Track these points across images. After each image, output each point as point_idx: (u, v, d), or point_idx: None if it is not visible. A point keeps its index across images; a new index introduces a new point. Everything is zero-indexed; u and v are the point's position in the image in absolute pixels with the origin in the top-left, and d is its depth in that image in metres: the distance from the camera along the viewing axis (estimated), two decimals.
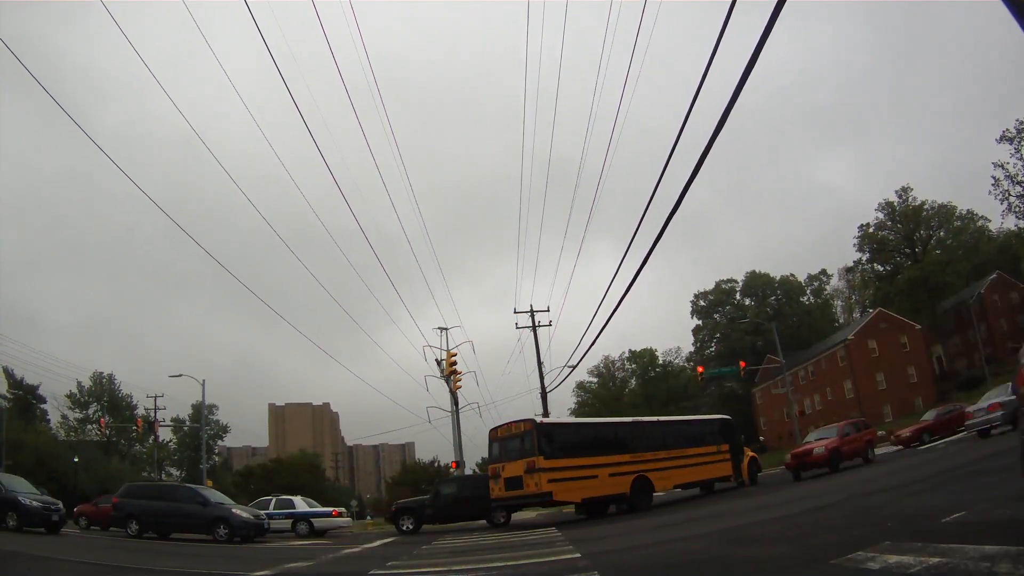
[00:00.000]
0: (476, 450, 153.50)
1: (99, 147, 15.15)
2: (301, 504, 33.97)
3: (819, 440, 30.99)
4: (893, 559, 7.13)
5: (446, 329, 42.34)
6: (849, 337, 77.19)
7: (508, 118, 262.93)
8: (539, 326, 52.38)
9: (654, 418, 35.98)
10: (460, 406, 47.63)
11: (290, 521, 32.52)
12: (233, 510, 26.99)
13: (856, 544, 8.25)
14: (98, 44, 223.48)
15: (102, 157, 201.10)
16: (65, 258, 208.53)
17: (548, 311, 52.89)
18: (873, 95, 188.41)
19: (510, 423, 28.28)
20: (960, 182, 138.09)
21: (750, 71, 10.56)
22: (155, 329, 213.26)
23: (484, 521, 29.76)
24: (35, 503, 25.51)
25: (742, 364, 59.25)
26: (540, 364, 51.72)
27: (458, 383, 42.55)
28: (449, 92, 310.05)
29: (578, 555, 12.58)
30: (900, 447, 38.80)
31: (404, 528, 30.36)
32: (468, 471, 59.88)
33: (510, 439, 27.50)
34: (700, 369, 63.47)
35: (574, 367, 47.28)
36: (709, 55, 11.48)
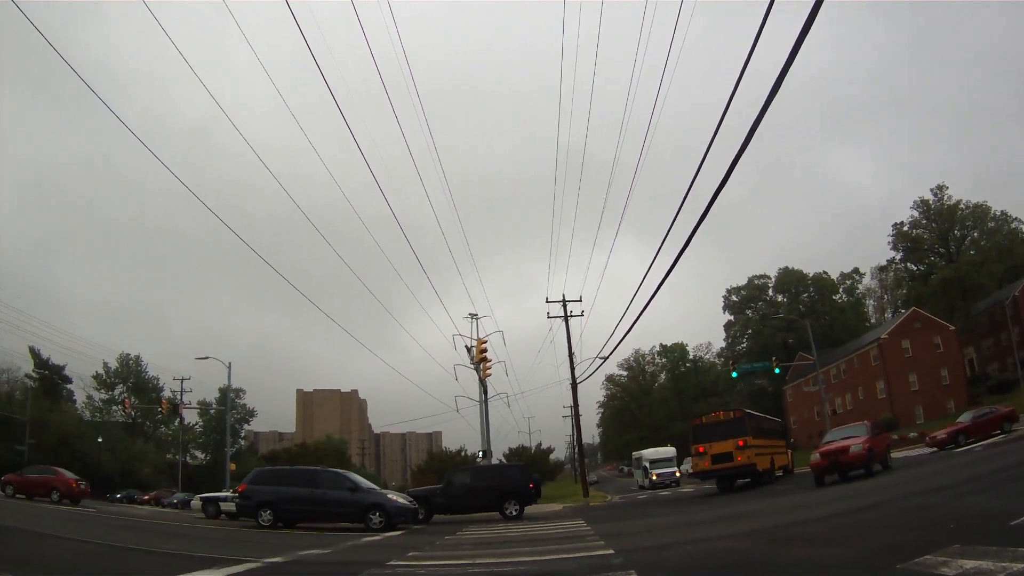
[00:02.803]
0: (503, 440, 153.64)
1: (133, 133, 15.08)
2: None
3: (847, 439, 27.24)
4: (970, 564, 6.46)
5: (477, 316, 41.33)
6: (883, 336, 75.35)
7: (538, 113, 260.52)
8: (571, 316, 51.55)
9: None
10: (489, 395, 46.93)
11: None
12: (389, 495, 25.21)
13: (922, 547, 7.57)
14: (122, 34, 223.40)
15: (125, 144, 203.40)
16: (92, 243, 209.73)
17: (580, 301, 51.95)
18: (903, 92, 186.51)
19: (718, 412, 38.36)
20: (993, 183, 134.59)
21: (784, 75, 10.33)
22: (182, 314, 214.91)
23: (496, 513, 28.92)
24: None
25: (774, 360, 58.15)
26: (571, 355, 50.83)
27: (488, 371, 41.64)
28: (479, 87, 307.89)
29: (611, 551, 11.94)
30: (935, 449, 37.43)
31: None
32: (495, 461, 59.45)
33: (719, 424, 35.21)
34: (733, 365, 62.50)
35: (605, 359, 46.60)
36: (745, 57, 11.30)
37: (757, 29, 10.60)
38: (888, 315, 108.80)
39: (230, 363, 58.23)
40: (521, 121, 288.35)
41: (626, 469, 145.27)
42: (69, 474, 37.81)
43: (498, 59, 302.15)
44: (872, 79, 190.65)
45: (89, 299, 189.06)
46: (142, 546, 15.45)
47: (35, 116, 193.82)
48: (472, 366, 40.79)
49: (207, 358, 57.83)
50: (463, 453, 55.48)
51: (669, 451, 61.56)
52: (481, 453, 49.19)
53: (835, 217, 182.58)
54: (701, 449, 34.74)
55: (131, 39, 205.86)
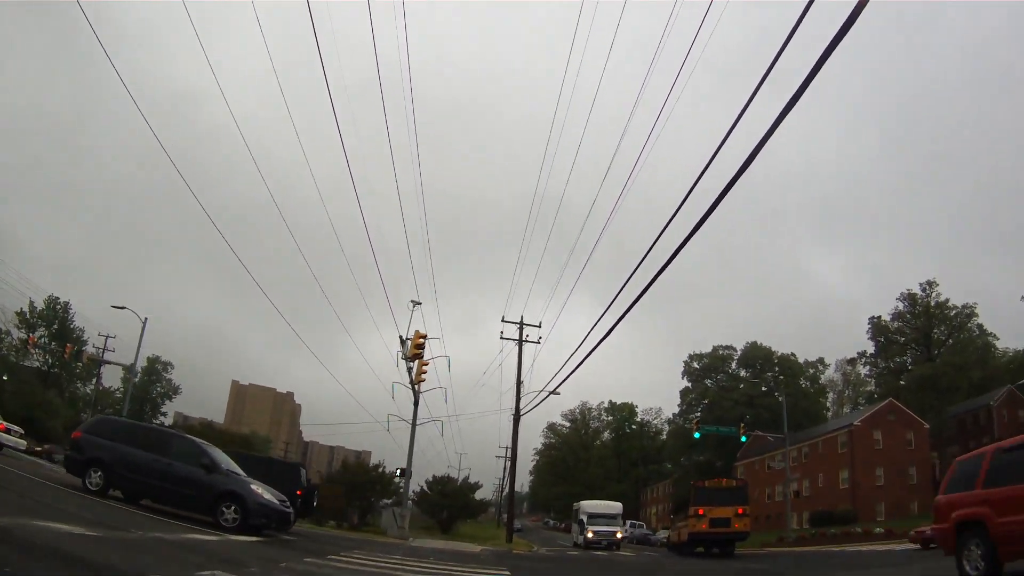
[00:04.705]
0: (429, 467, 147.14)
1: (126, 87, 15.21)
2: None
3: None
4: None
5: (418, 304, 34.87)
6: (855, 423, 70.80)
7: (520, 155, 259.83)
8: (526, 340, 46.84)
9: None
10: (419, 411, 41.50)
11: None
12: (251, 486, 18.26)
13: None
14: None
15: (105, 100, 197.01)
16: (48, 192, 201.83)
17: (539, 326, 47.04)
18: (880, 196, 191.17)
19: (719, 479, 43.48)
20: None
21: (754, 156, 11.46)
22: (131, 282, 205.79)
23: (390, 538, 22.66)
24: None
25: (742, 427, 54.27)
26: (519, 383, 46.47)
27: (423, 373, 35.52)
28: (462, 110, 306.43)
29: None
30: (917, 546, 32.77)
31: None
32: (415, 486, 53.59)
33: (720, 490, 38.58)
34: (696, 424, 57.40)
35: (555, 392, 41.76)
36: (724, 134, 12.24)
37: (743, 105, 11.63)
38: (846, 410, 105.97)
39: (146, 318, 52.94)
40: (503, 158, 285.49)
41: (551, 522, 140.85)
42: None
43: (492, 90, 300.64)
44: (848, 179, 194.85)
45: (38, 251, 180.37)
46: None
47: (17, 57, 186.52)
48: (404, 358, 34.32)
49: (123, 308, 52.10)
50: (381, 469, 49.64)
51: (614, 506, 53.56)
52: (398, 471, 43.83)
53: (803, 308, 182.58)
54: (700, 512, 36.51)
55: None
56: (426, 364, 35.63)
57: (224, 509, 17.32)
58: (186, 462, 18.15)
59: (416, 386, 37.97)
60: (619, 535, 48.16)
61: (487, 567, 19.66)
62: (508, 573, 18.15)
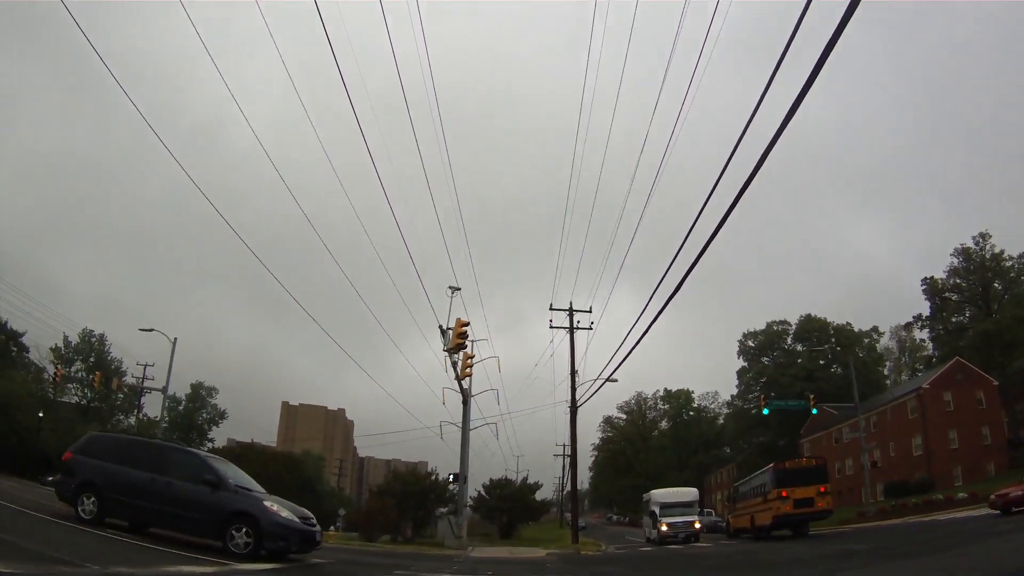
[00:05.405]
0: (486, 470, 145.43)
1: (149, 124, 15.75)
2: None
3: None
4: None
5: (457, 289, 31.43)
6: (924, 386, 66.89)
7: (551, 151, 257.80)
8: (577, 327, 44.20)
9: None
10: (471, 408, 38.74)
11: None
12: (265, 503, 15.71)
13: None
14: (133, 28, 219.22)
15: (124, 138, 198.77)
16: (88, 235, 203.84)
17: (590, 311, 44.39)
18: (916, 162, 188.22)
19: (801, 458, 44.41)
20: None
21: (784, 127, 11.24)
22: (176, 316, 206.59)
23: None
24: None
25: (812, 399, 51.41)
26: (573, 372, 43.67)
27: (468, 367, 32.32)
28: (491, 116, 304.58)
29: None
30: (997, 512, 29.58)
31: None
32: (472, 492, 51.11)
33: (801, 470, 37.90)
34: (764, 400, 54.28)
35: (612, 379, 39.12)
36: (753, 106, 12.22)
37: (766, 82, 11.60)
38: (904, 378, 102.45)
39: (175, 338, 51.53)
40: (534, 154, 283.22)
41: (615, 518, 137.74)
42: None
43: (514, 94, 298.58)
44: (884, 148, 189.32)
45: (80, 291, 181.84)
46: None
47: (40, 102, 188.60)
48: (446, 350, 31.20)
49: (151, 330, 50.97)
50: (434, 476, 47.46)
51: (689, 492, 49.12)
52: (452, 476, 41.40)
53: (851, 279, 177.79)
54: (784, 493, 35.66)
55: (142, 33, 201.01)
56: (471, 357, 32.47)
57: (234, 532, 14.92)
58: (188, 480, 15.72)
59: (462, 381, 35.13)
60: (697, 525, 43.07)
61: None
62: None
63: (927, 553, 17.48)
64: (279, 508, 15.71)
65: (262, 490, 17.14)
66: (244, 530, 14.90)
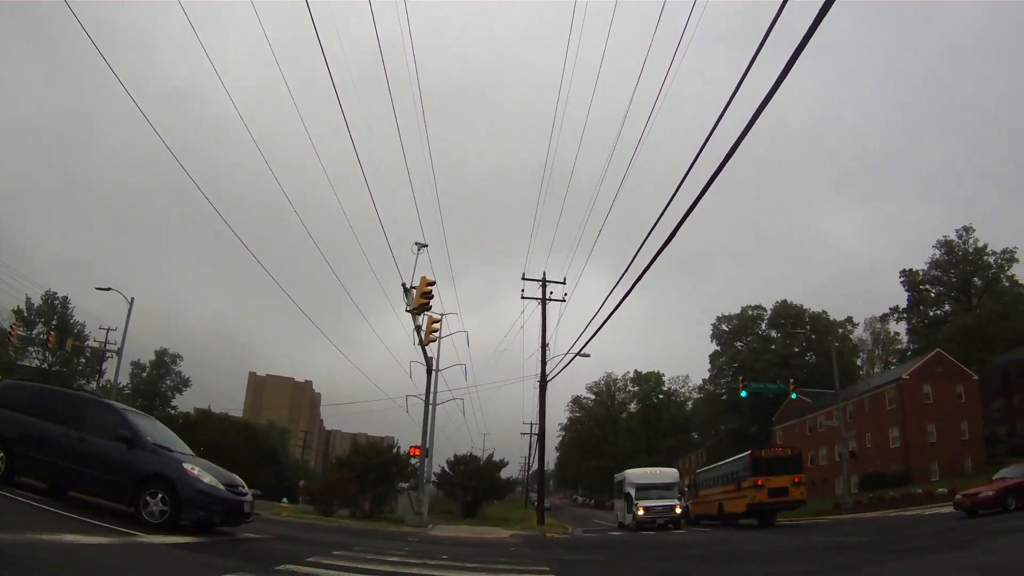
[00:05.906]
0: (450, 447, 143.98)
1: (126, 89, 14.47)
2: None
3: None
4: None
5: (424, 246, 28.62)
6: (903, 376, 65.90)
7: (528, 126, 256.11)
8: (550, 299, 42.54)
9: None
10: (440, 390, 36.79)
11: None
12: (184, 465, 13.42)
13: None
14: None
15: (104, 101, 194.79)
16: (56, 195, 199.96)
17: (564, 283, 42.71)
18: (899, 152, 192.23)
19: (776, 447, 45.18)
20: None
21: (760, 112, 11.61)
22: (141, 281, 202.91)
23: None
24: None
25: (791, 383, 50.66)
26: (544, 345, 42.13)
27: (433, 329, 30.13)
28: (469, 93, 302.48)
29: None
30: (962, 513, 26.67)
31: None
32: (435, 467, 49.36)
33: (776, 459, 38.02)
34: (743, 383, 52.60)
35: (584, 354, 37.63)
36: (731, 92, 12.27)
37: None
38: (877, 370, 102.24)
39: (132, 298, 49.95)
40: (512, 132, 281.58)
41: (580, 499, 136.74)
42: None
43: (498, 69, 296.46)
44: (864, 138, 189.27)
45: (47, 255, 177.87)
46: None
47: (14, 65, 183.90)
48: (408, 310, 28.57)
49: (108, 289, 49.03)
50: (395, 450, 45.53)
51: (668, 473, 45.62)
52: (413, 451, 39.58)
53: (828, 270, 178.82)
54: (760, 482, 35.60)
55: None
56: (437, 321, 30.25)
57: (148, 499, 12.73)
58: (103, 436, 13.58)
59: (426, 348, 32.91)
60: (678, 510, 40.23)
61: (521, 565, 15.20)
62: (547, 569, 13.93)
63: (940, 550, 15.76)
64: (201, 472, 13.44)
65: (189, 451, 15.02)
66: (160, 496, 12.72)
